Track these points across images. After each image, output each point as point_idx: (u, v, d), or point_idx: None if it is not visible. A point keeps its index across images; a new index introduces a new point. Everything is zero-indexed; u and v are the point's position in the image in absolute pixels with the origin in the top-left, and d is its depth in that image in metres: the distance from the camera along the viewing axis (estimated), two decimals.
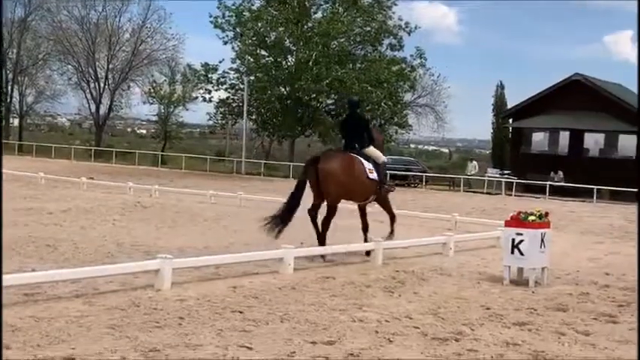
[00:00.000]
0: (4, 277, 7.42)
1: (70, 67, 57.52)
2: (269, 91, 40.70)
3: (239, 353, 5.96)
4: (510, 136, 43.62)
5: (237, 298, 8.09)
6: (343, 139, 12.99)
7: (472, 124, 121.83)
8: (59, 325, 6.48)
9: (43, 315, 6.80)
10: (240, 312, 7.42)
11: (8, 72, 59.05)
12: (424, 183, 37.53)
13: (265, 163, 46.50)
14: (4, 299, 7.24)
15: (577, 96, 36.48)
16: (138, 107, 61.20)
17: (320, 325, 7.07)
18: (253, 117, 43.79)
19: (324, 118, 41.17)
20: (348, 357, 6.03)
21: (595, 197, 31.01)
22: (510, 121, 41.89)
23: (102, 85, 56.67)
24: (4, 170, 26.19)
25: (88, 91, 57.14)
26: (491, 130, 51.12)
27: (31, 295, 7.60)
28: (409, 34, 42.66)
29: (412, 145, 73.29)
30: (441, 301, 8.53)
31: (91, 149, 51.29)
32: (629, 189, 31.27)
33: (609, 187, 32.29)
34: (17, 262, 9.44)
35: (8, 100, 59.83)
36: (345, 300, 8.31)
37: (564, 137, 38.51)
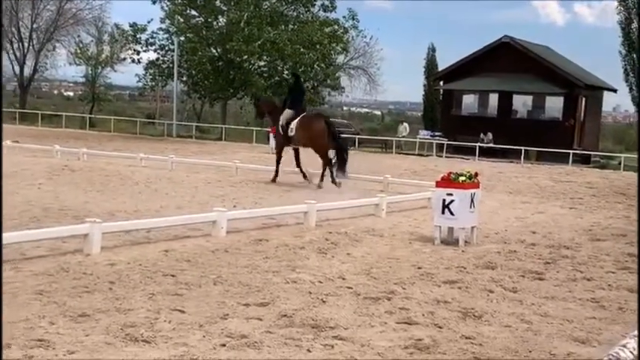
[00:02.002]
0: None
1: None
2: (200, 53, 40.01)
3: (171, 317, 5.90)
4: (441, 98, 44.11)
5: (169, 262, 8.01)
6: (292, 102, 17.59)
7: (404, 86, 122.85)
8: None
9: None
10: (173, 275, 7.34)
11: None
12: (356, 145, 37.70)
13: (197, 125, 45.93)
14: None
15: (506, 58, 37.03)
16: (64, 69, 59.83)
17: (253, 287, 7.06)
18: (184, 79, 43.03)
19: (256, 80, 40.73)
20: (282, 318, 6.05)
21: (522, 158, 31.77)
22: (441, 83, 42.27)
23: (26, 45, 54.69)
24: None
25: (11, 51, 55.05)
26: (423, 93, 51.60)
27: None
28: None
29: (345, 108, 73.54)
30: (373, 262, 8.62)
31: (15, 112, 49.61)
32: (555, 150, 32.15)
33: (536, 148, 33.11)
34: None
35: None
36: (278, 262, 8.31)
37: (494, 99, 39.12)
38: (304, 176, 17.47)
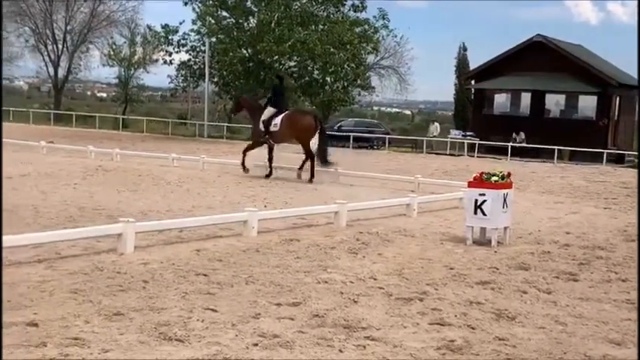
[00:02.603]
0: None
1: (27, 28, 56.12)
2: (231, 53, 40.18)
3: (204, 315, 5.94)
4: (472, 97, 43.82)
5: (201, 261, 8.06)
6: (275, 101, 18.71)
7: (435, 85, 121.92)
8: (21, 291, 6.39)
9: (3, 280, 6.67)
10: (205, 275, 7.39)
11: None
12: (387, 145, 37.61)
13: (227, 126, 46.16)
14: None
15: (538, 57, 36.67)
16: (97, 70, 60.39)
17: (285, 287, 7.07)
18: (215, 80, 43.26)
19: (286, 80, 40.83)
20: (314, 318, 6.05)
21: (555, 158, 31.42)
22: (472, 82, 41.99)
23: (60, 47, 55.45)
24: None
25: (45, 53, 55.91)
26: (454, 92, 51.27)
27: None
28: None
29: (375, 108, 73.36)
30: (405, 262, 8.59)
31: (50, 113, 50.31)
32: (588, 149, 31.75)
33: (569, 148, 32.73)
34: None
35: None
36: (309, 262, 8.32)
37: (526, 98, 38.77)
38: (270, 171, 18.37)
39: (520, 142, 34.96)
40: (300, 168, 18.29)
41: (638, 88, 35.57)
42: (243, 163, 18.75)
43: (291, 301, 6.55)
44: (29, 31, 55.96)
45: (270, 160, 18.52)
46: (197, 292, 6.71)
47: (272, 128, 18.31)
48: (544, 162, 30.79)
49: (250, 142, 19.72)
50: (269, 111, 18.60)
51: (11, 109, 49.52)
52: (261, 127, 18.56)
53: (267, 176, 18.20)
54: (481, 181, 10.12)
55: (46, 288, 6.54)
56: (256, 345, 5.31)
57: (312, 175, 17.90)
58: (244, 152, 19.02)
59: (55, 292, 6.42)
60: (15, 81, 77.51)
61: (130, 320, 5.74)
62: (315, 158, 17.99)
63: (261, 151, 18.90)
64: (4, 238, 7.82)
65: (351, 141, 36.73)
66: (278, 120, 18.24)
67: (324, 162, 17.96)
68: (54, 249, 8.13)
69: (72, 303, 6.13)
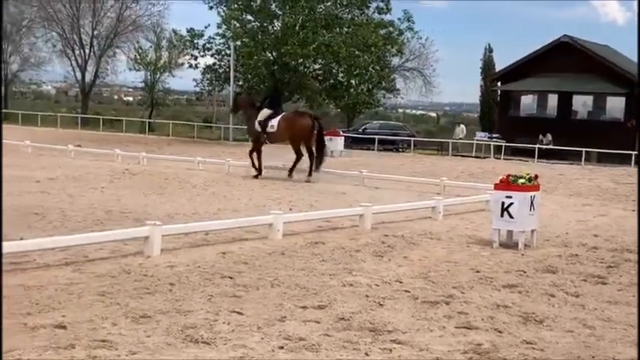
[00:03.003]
0: None
1: (54, 33, 56.82)
2: (255, 57, 40.30)
3: (230, 318, 5.96)
4: (499, 99, 43.55)
5: (227, 264, 8.09)
6: (270, 104, 19.22)
7: (460, 87, 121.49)
8: (49, 293, 6.46)
9: (32, 283, 6.77)
10: (231, 277, 7.41)
11: None
12: (412, 147, 37.50)
13: None
14: None
15: (565, 58, 36.37)
16: (124, 74, 60.74)
17: (310, 289, 7.07)
18: (240, 83, 43.40)
19: (311, 83, 40.89)
20: (339, 321, 6.04)
21: (583, 160, 31.12)
22: (499, 84, 41.76)
23: (87, 51, 56.05)
24: None
25: (73, 58, 56.52)
26: (480, 94, 51.01)
27: (19, 263, 7.55)
28: None
29: (400, 110, 73.16)
30: (431, 265, 8.55)
31: (77, 117, 50.86)
32: (616, 151, 31.39)
33: (597, 150, 32.39)
34: (3, 231, 9.36)
35: None
36: (334, 265, 8.31)
37: (553, 100, 38.46)
38: (259, 171, 18.74)
39: (547, 144, 34.68)
40: (292, 169, 18.61)
41: (638, 87, 35.10)
42: (253, 166, 18.95)
43: (317, 304, 6.55)
44: (57, 36, 56.68)
45: (259, 159, 18.90)
46: (223, 294, 6.73)
47: (269, 129, 18.72)
48: (571, 164, 30.51)
49: (252, 145, 19.79)
50: (265, 112, 18.99)
51: (39, 113, 50.13)
52: (257, 127, 18.97)
53: (256, 177, 18.56)
54: (508, 184, 10.04)
55: (74, 290, 6.60)
56: (282, 348, 5.32)
57: (310, 174, 18.25)
58: (251, 155, 19.16)
59: (83, 295, 6.48)
60: (43, 85, 78.53)
61: (156, 322, 5.77)
62: (314, 160, 18.30)
63: (275, 153, 19.18)
64: (33, 241, 7.94)
65: (376, 143, 36.67)
66: (275, 121, 18.66)
67: (319, 165, 18.34)
68: (82, 252, 8.21)
69: (99, 305, 6.18)
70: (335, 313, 6.28)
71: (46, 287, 6.66)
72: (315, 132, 18.40)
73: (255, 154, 19.02)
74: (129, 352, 5.08)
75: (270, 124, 18.72)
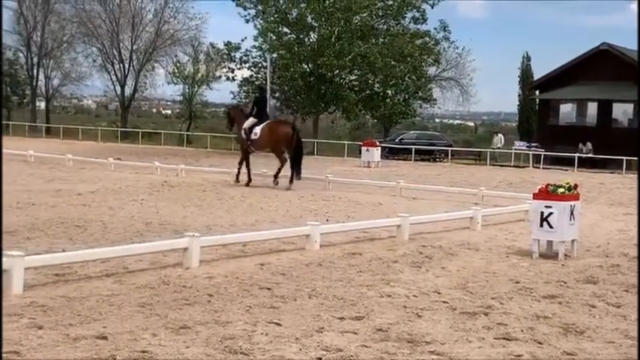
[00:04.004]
0: (35, 257, 7.54)
1: (94, 49, 57.76)
2: (292, 69, 40.56)
3: (268, 329, 5.99)
4: (537, 107, 43.11)
5: (264, 275, 8.13)
6: (257, 112, 19.73)
7: (498, 96, 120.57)
8: (90, 304, 6.56)
9: (74, 295, 6.88)
10: (268, 289, 7.45)
11: (33, 55, 59.50)
12: (449, 157, 37.29)
13: None
14: (35, 279, 7.34)
15: (605, 66, 35.88)
16: (162, 88, 61.58)
17: (348, 300, 7.07)
18: (277, 95, 43.71)
19: (347, 94, 40.95)
20: (377, 332, 6.03)
21: (624, 168, 30.60)
22: (537, 92, 41.35)
23: (126, 66, 56.86)
24: (33, 152, 26.51)
25: (112, 72, 57.38)
26: (518, 103, 50.57)
27: (61, 275, 7.69)
28: (432, 6, 42.29)
29: (437, 120, 72.83)
30: (469, 276, 8.49)
31: (117, 130, 51.58)
32: None
33: (638, 158, 31.81)
34: (47, 243, 9.56)
35: (34, 83, 60.35)
36: (372, 276, 8.30)
37: (592, 108, 37.94)
38: (249, 179, 19.35)
39: (587, 153, 34.20)
40: (276, 176, 19.18)
41: (638, 87, 34.38)
42: (237, 175, 19.59)
43: (354, 315, 6.55)
44: (97, 51, 57.61)
45: (248, 167, 19.56)
46: (261, 305, 6.77)
47: (252, 137, 19.46)
48: (612, 173, 30.04)
49: (241, 153, 20.40)
50: (251, 120, 19.69)
51: (80, 127, 50.98)
52: (243, 135, 19.71)
53: (248, 184, 19.16)
54: (547, 193, 9.93)
55: (114, 302, 6.69)
56: (320, 359, 5.33)
57: (291, 181, 18.80)
58: (239, 164, 19.78)
59: (124, 306, 6.57)
60: (84, 100, 79.88)
61: (195, 334, 5.82)
62: (290, 167, 18.90)
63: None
64: (75, 252, 8.08)
65: (413, 153, 36.55)
66: (258, 129, 19.38)
67: (299, 173, 18.95)
68: (122, 263, 8.32)
69: (139, 316, 6.26)
70: (373, 324, 6.27)
71: (87, 298, 6.76)
72: (294, 140, 19.13)
73: (244, 163, 19.66)
74: None
75: (254, 131, 19.46)
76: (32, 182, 18.14)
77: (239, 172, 19.66)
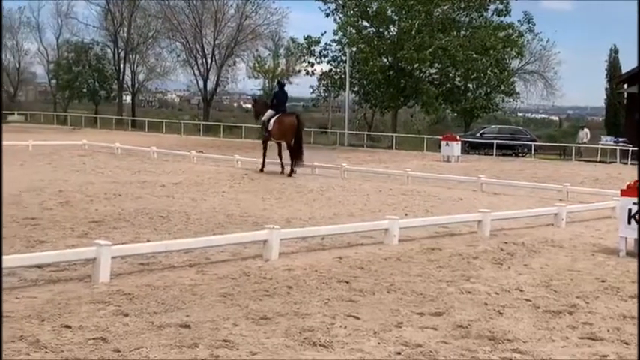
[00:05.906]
0: (121, 246, 7.78)
1: (178, 44, 59.18)
2: (371, 62, 40.40)
3: (347, 322, 6.00)
4: (625, 102, 41.67)
5: (343, 269, 8.14)
6: (277, 105, 20.97)
7: (584, 90, 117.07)
8: (174, 293, 6.71)
9: (158, 283, 7.06)
10: (347, 282, 7.46)
11: (120, 50, 61.37)
12: (532, 152, 36.47)
13: (368, 134, 46.41)
14: (121, 268, 7.58)
15: None
16: (243, 82, 62.50)
17: (427, 296, 7.01)
18: (355, 89, 43.67)
19: (427, 87, 40.53)
20: (457, 328, 5.96)
21: None
22: (625, 86, 39.97)
23: (209, 61, 57.96)
24: (119, 145, 27.36)
25: (195, 67, 58.61)
26: (605, 97, 49.01)
27: (146, 264, 7.91)
28: None
29: (519, 114, 71.33)
30: (553, 273, 8.29)
31: (199, 124, 52.65)
32: None
33: None
34: (132, 233, 9.84)
35: (121, 77, 62.25)
36: (452, 271, 8.21)
37: None
38: (282, 167, 20.42)
39: None
40: (291, 168, 20.04)
41: (637, 87, 32.50)
42: (262, 165, 20.81)
43: (434, 310, 6.49)
44: (180, 46, 59.00)
45: (280, 156, 20.65)
46: (339, 298, 6.79)
47: (269, 127, 20.65)
48: None
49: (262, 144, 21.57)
50: (269, 113, 20.89)
51: (164, 121, 52.28)
52: (263, 127, 21.13)
53: (261, 170, 20.57)
54: (635, 190, 9.59)
55: (197, 291, 6.83)
56: (399, 354, 5.30)
57: (292, 170, 19.92)
58: (264, 155, 20.89)
59: (206, 296, 6.70)
60: (168, 94, 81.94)
61: (275, 324, 5.89)
62: (292, 156, 19.92)
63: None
64: (160, 242, 8.30)
65: (495, 148, 35.90)
66: (273, 120, 20.58)
67: (300, 160, 20.00)
68: (204, 254, 8.49)
69: (221, 306, 6.37)
70: (453, 320, 6.20)
71: (171, 287, 6.93)
72: (297, 130, 20.19)
73: (277, 152, 20.74)
74: (249, 353, 5.20)
75: (270, 122, 20.61)
76: (119, 174, 18.72)
77: (264, 160, 20.84)
